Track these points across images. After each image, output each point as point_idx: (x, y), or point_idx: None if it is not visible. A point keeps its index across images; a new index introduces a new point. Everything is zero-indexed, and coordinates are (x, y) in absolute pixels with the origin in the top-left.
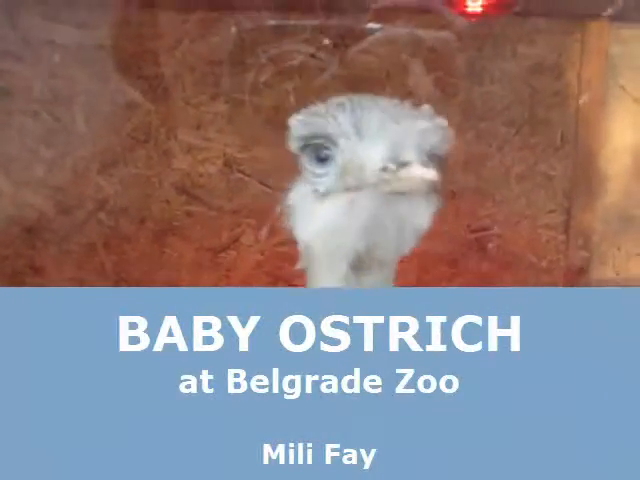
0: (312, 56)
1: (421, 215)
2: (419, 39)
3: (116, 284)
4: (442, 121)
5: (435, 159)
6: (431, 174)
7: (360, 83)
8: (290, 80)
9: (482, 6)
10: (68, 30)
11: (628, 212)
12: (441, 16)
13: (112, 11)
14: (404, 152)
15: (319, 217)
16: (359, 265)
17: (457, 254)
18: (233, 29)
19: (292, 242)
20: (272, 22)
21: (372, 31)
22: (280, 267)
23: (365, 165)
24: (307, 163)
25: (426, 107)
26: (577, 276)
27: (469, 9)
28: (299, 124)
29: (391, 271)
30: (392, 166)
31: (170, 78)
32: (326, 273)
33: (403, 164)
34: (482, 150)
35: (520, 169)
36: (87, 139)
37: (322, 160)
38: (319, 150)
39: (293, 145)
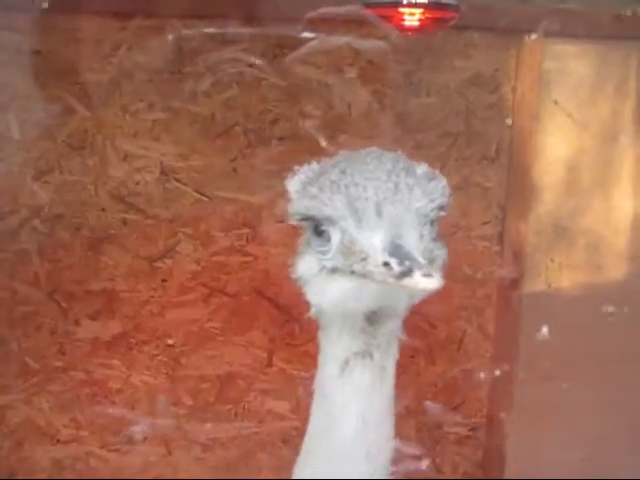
0: (251, 66)
1: None
2: (357, 50)
3: (50, 295)
4: (440, 180)
5: (436, 221)
6: (434, 283)
7: (298, 94)
8: (229, 89)
9: (419, 20)
10: (3, 35)
11: (561, 224)
12: (377, 28)
13: (49, 16)
14: (404, 235)
15: (330, 291)
16: (375, 318)
17: None
18: (171, 37)
19: (228, 252)
20: (211, 31)
21: (310, 41)
22: (216, 278)
23: (367, 256)
24: (309, 233)
25: (423, 167)
26: (510, 288)
27: (406, 23)
28: (296, 199)
29: (402, 317)
30: (394, 263)
31: (107, 85)
32: (342, 327)
33: (404, 273)
34: (419, 161)
35: (455, 180)
36: (22, 145)
37: (320, 234)
38: (318, 226)
39: (292, 215)
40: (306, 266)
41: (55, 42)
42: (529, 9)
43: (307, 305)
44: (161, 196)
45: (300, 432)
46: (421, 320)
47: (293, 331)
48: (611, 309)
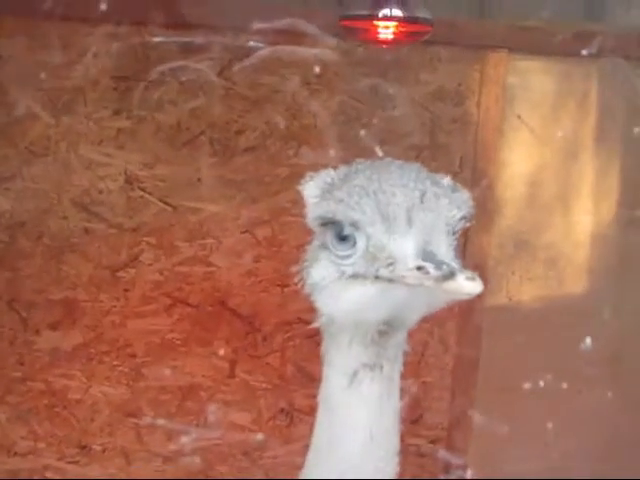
0: (217, 75)
1: None
2: (324, 62)
3: (9, 304)
4: (464, 192)
5: (458, 232)
6: (479, 286)
7: (264, 104)
8: (195, 99)
9: (394, 34)
10: None
11: (522, 237)
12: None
13: (12, 21)
14: (434, 243)
15: (347, 298)
16: (387, 329)
17: None
18: (138, 44)
19: (192, 262)
20: (178, 39)
21: (277, 51)
22: (179, 288)
23: (396, 261)
24: (327, 239)
25: (446, 178)
26: (472, 301)
27: (381, 36)
28: (317, 205)
29: (408, 329)
30: (430, 267)
31: (72, 92)
32: (353, 337)
33: (446, 276)
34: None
35: None
36: None
37: (343, 239)
38: (341, 230)
39: (311, 219)
40: (323, 272)
41: (19, 47)
42: (493, 25)
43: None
44: (125, 205)
45: (261, 444)
46: None
47: (255, 342)
48: (569, 322)
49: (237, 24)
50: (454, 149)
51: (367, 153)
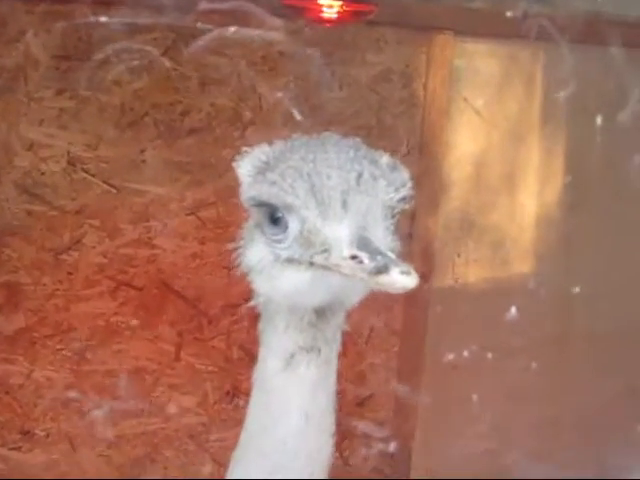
0: (162, 55)
1: None
2: (269, 42)
3: None
4: (404, 170)
5: (398, 214)
6: (413, 281)
7: (209, 85)
8: (138, 79)
9: (337, 13)
10: None
11: (468, 219)
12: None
13: None
14: (370, 228)
15: (282, 282)
16: (325, 311)
17: None
18: (80, 23)
19: (136, 245)
20: (121, 18)
21: (223, 32)
22: (124, 271)
23: (331, 248)
24: (261, 220)
25: (386, 156)
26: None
27: (325, 15)
28: (250, 185)
29: (349, 309)
30: (365, 258)
31: (12, 71)
32: (290, 319)
33: (380, 269)
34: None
35: None
36: None
37: (276, 222)
38: (273, 212)
39: (244, 199)
40: (259, 254)
41: None
42: (439, 7)
43: (214, 299)
44: (68, 187)
45: (207, 428)
46: None
47: (201, 325)
48: (515, 303)
49: (182, 4)
50: (401, 131)
51: (312, 135)
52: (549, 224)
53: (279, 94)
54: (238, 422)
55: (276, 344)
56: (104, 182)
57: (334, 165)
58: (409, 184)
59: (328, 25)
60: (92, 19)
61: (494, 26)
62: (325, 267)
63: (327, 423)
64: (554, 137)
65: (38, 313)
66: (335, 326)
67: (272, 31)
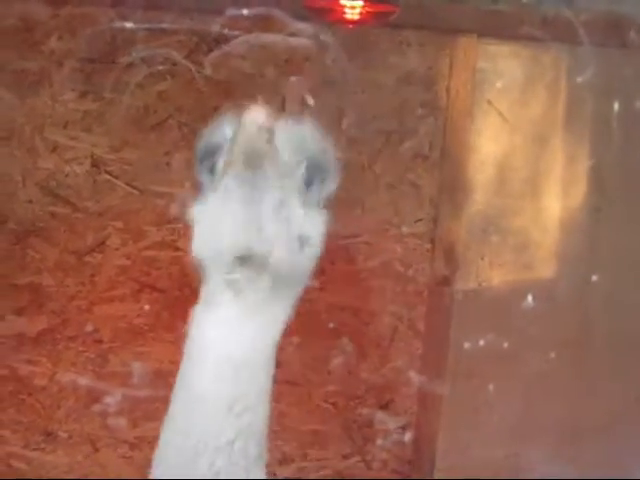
0: (185, 58)
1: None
2: (292, 46)
3: None
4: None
5: (319, 177)
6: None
7: (233, 88)
8: (162, 81)
9: (360, 14)
10: None
11: (492, 222)
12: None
13: None
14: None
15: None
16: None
17: (325, 261)
18: (104, 26)
19: (159, 247)
20: (145, 21)
21: (247, 37)
22: (147, 273)
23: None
24: (202, 177)
25: (308, 123)
26: (441, 285)
27: (347, 16)
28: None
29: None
30: None
31: (37, 73)
32: (220, 267)
33: None
34: (352, 158)
35: (389, 178)
36: None
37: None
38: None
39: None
40: (197, 209)
41: None
42: (462, 9)
43: None
44: (91, 189)
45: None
46: (352, 317)
47: None
48: (539, 307)
49: (206, 7)
50: (423, 133)
51: (334, 138)
52: (573, 227)
53: (302, 96)
54: None
55: (204, 289)
56: (127, 184)
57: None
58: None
59: (350, 26)
60: (116, 22)
61: (518, 28)
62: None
63: (256, 382)
64: (578, 140)
65: (61, 315)
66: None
67: (296, 35)
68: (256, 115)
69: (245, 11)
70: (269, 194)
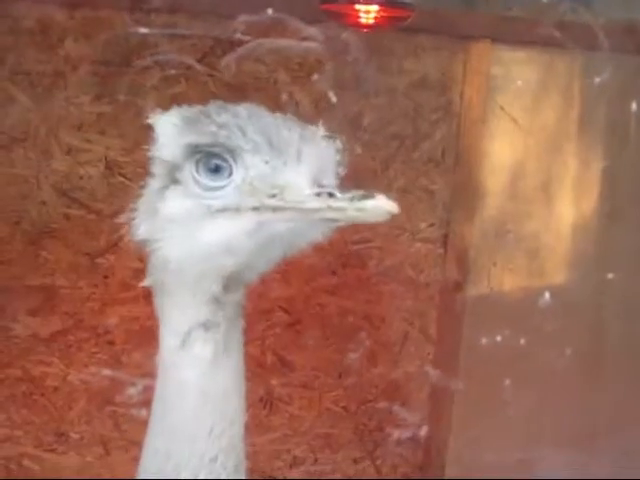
0: (199, 61)
1: (317, 233)
2: (306, 49)
3: None
4: (338, 142)
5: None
6: (395, 206)
7: (246, 91)
8: (176, 85)
9: (375, 18)
10: None
11: (504, 227)
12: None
13: None
14: (325, 177)
15: (210, 233)
16: (231, 283)
17: (337, 266)
18: (119, 29)
19: None
20: (160, 25)
21: (260, 42)
22: None
23: (287, 188)
24: (191, 171)
25: (320, 128)
26: (453, 290)
27: (362, 20)
28: (181, 129)
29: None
30: (333, 191)
31: (52, 76)
32: (194, 292)
33: (358, 197)
34: (366, 162)
35: (401, 182)
36: None
37: (217, 169)
38: (211, 160)
39: (168, 150)
40: (181, 208)
41: None
42: (476, 15)
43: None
44: (105, 191)
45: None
46: (363, 321)
47: None
48: (551, 313)
49: (220, 11)
50: (437, 138)
51: (348, 142)
52: (585, 233)
53: (315, 101)
54: (271, 428)
55: (175, 320)
56: (141, 187)
57: (280, 118)
58: (342, 152)
59: (365, 31)
60: (131, 26)
61: (531, 34)
62: (276, 209)
63: (231, 405)
64: (591, 146)
65: (74, 316)
66: (236, 303)
67: (309, 38)
68: None
69: (257, 17)
70: None
